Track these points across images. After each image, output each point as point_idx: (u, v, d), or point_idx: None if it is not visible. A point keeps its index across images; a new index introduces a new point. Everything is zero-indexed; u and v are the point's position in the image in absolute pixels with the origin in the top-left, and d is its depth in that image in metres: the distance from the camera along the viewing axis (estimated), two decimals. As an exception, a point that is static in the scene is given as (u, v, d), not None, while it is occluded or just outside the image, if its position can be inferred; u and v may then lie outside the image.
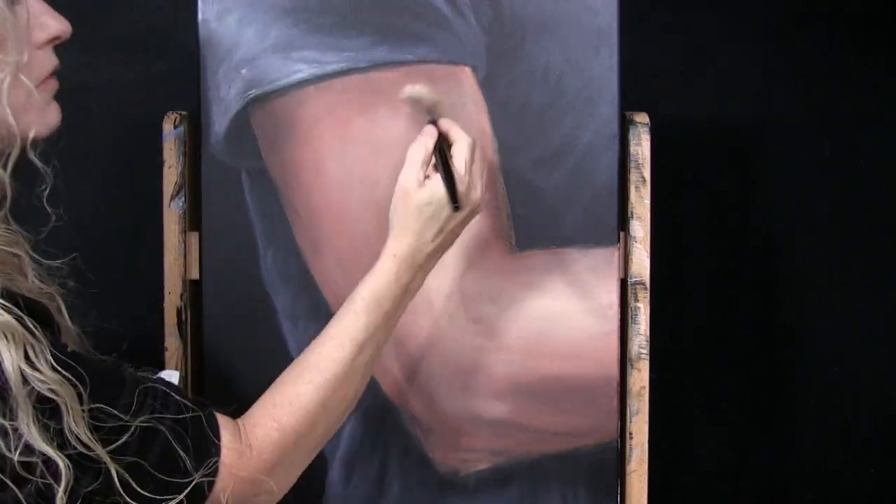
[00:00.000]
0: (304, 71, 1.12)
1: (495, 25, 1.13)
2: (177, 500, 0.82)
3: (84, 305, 0.93)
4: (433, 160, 0.98)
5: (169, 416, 0.83)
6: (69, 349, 0.81)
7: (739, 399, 1.58)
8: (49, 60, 0.87)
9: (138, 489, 0.80)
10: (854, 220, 1.56)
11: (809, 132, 1.55)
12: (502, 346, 1.14)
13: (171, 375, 0.98)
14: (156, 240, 1.16)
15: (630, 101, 1.17)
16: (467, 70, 1.13)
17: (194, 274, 1.15)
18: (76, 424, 0.77)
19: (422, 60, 1.12)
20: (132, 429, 0.80)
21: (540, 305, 1.14)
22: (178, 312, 1.15)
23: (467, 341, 1.13)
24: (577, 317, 1.14)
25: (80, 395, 0.78)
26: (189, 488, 0.83)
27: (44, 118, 0.87)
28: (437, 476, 1.15)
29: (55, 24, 0.86)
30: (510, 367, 1.14)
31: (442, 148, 0.98)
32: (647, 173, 1.15)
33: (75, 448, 0.77)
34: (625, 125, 1.15)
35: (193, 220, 1.16)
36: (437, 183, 0.97)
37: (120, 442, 0.79)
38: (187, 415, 0.84)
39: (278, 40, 1.12)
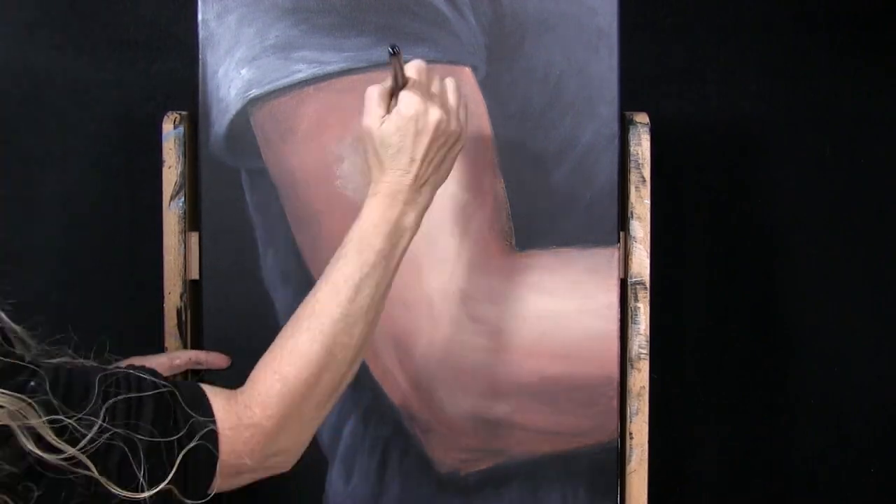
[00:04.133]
0: (303, 71, 1.12)
1: (495, 25, 1.13)
2: (168, 478, 0.81)
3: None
4: (392, 98, 0.96)
5: (148, 395, 0.82)
6: (25, 358, 0.80)
7: (739, 399, 1.58)
8: None
9: (132, 475, 0.79)
10: (854, 220, 1.56)
11: (809, 132, 1.55)
12: (502, 345, 1.14)
13: None
14: (155, 240, 1.16)
15: (630, 101, 1.17)
16: (467, 70, 1.13)
17: (194, 274, 1.15)
18: (46, 434, 0.76)
19: (422, 60, 1.12)
20: (101, 422, 0.79)
21: (540, 305, 1.14)
22: (178, 312, 1.15)
23: (467, 341, 1.13)
24: (577, 316, 1.14)
25: (47, 404, 0.77)
26: (179, 459, 0.82)
27: None
28: (437, 476, 1.15)
29: None
30: (510, 367, 1.14)
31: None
32: (647, 173, 1.15)
33: (60, 453, 0.76)
34: (625, 125, 1.15)
35: (193, 220, 1.16)
36: (396, 116, 0.95)
37: (93, 438, 0.78)
38: (165, 390, 0.84)
39: (278, 40, 1.12)
